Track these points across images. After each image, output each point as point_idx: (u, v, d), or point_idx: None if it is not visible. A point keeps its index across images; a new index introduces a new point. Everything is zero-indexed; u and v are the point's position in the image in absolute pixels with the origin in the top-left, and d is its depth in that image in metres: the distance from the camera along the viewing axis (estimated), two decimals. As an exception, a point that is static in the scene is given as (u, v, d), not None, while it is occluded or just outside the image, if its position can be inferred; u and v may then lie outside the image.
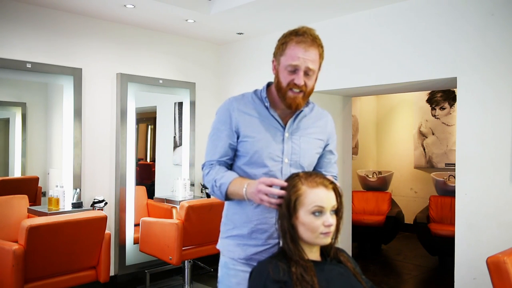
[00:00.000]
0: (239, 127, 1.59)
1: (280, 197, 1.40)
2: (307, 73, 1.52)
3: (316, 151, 1.67)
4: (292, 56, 1.51)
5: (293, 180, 1.42)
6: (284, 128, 1.61)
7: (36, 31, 3.58)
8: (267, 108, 1.61)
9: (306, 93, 1.55)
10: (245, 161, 1.59)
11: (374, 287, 1.50)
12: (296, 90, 1.53)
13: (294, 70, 1.51)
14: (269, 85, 1.66)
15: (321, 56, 1.56)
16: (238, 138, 1.59)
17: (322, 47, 1.56)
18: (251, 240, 1.58)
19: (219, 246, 1.69)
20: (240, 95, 1.66)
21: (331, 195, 1.40)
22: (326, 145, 1.72)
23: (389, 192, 5.67)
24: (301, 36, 1.52)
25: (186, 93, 4.56)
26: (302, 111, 1.63)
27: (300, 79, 1.51)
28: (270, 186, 1.40)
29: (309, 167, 1.66)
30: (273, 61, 1.60)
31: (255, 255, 1.57)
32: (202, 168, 1.67)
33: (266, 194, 1.40)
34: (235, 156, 1.63)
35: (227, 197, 1.56)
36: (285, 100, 1.55)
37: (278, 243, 1.51)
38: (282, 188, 1.41)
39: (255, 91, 1.67)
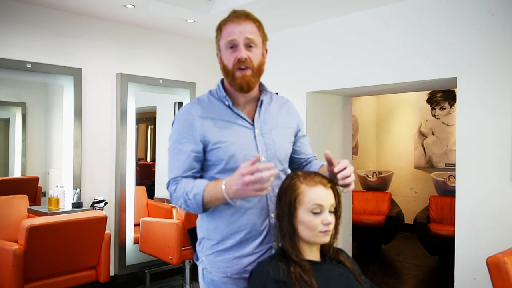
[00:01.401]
0: (205, 135, 1.46)
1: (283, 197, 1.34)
2: (248, 45, 1.44)
3: (289, 141, 1.60)
4: (228, 33, 1.45)
5: (291, 179, 1.42)
6: (252, 124, 1.52)
7: (36, 31, 3.58)
8: (229, 107, 1.51)
9: (255, 69, 1.46)
10: (220, 169, 1.47)
11: (374, 287, 1.50)
12: (243, 67, 1.44)
13: (234, 45, 1.44)
14: (223, 83, 1.57)
15: (260, 29, 1.49)
16: (206, 147, 1.47)
17: (258, 21, 1.49)
18: (240, 251, 1.47)
19: (203, 264, 1.54)
20: (196, 100, 1.55)
21: (330, 193, 1.40)
22: (298, 131, 1.66)
23: (389, 192, 5.68)
24: (233, 15, 1.48)
25: (186, 93, 4.56)
26: (262, 100, 1.56)
27: (241, 52, 1.43)
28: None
29: (286, 158, 1.59)
30: (217, 55, 1.55)
31: (248, 266, 1.47)
32: (167, 187, 1.52)
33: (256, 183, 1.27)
34: (204, 167, 1.52)
35: (205, 207, 1.42)
36: (235, 82, 1.46)
37: (271, 247, 1.49)
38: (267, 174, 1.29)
39: (210, 92, 1.57)
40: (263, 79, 1.65)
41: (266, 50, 1.55)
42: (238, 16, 1.47)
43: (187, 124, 1.49)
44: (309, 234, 1.37)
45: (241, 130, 1.50)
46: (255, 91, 1.56)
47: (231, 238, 1.48)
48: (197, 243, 1.60)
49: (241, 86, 1.47)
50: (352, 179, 1.42)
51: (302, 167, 1.68)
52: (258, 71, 1.49)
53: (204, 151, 1.49)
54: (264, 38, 1.52)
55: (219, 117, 1.50)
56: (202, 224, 1.56)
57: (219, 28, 1.50)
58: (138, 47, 4.23)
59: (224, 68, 1.50)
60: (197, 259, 1.59)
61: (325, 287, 1.34)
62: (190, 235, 1.69)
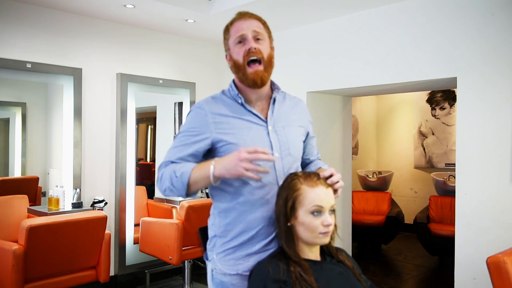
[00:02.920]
0: (218, 132, 1.47)
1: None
2: (256, 37, 1.49)
3: (301, 139, 1.62)
4: (236, 30, 1.50)
5: (291, 179, 1.42)
6: (265, 121, 1.53)
7: (36, 31, 3.58)
8: (242, 105, 1.52)
9: (265, 61, 1.49)
10: None
11: (374, 286, 1.50)
12: (253, 58, 1.47)
13: (242, 40, 1.49)
14: (235, 82, 1.58)
15: (265, 26, 1.54)
16: (218, 143, 1.48)
17: (263, 19, 1.55)
18: (251, 248, 1.48)
19: (213, 263, 1.54)
20: (209, 98, 1.57)
21: (330, 194, 1.40)
22: (308, 132, 1.67)
23: (389, 192, 5.67)
24: (238, 15, 1.54)
25: (186, 93, 4.56)
26: (275, 98, 1.58)
27: (250, 42, 1.47)
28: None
29: (299, 156, 1.60)
30: (226, 56, 1.57)
31: None
32: (158, 170, 1.51)
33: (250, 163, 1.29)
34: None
35: (188, 189, 1.41)
36: (247, 78, 1.48)
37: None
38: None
39: (223, 92, 1.58)
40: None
41: (273, 48, 1.57)
42: (244, 15, 1.53)
43: (198, 119, 1.50)
44: (309, 235, 1.37)
45: (254, 127, 1.51)
46: (266, 89, 1.57)
47: (242, 235, 1.48)
48: (208, 242, 1.60)
49: (255, 81, 1.48)
50: (340, 185, 1.44)
51: (304, 166, 1.69)
52: (269, 63, 1.51)
53: (214, 148, 1.50)
54: (270, 35, 1.56)
55: (232, 114, 1.51)
56: (214, 223, 1.57)
57: (227, 29, 1.54)
58: (138, 47, 4.23)
59: (235, 64, 1.51)
60: (207, 258, 1.59)
61: (325, 286, 1.34)
62: (201, 234, 1.69)
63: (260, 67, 1.48)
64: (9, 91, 3.77)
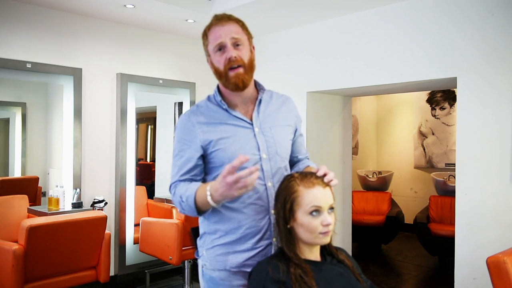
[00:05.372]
0: (206, 139, 1.50)
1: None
2: (236, 44, 1.48)
3: (289, 138, 1.62)
4: (215, 37, 1.49)
5: (288, 181, 1.42)
6: (251, 124, 1.54)
7: (36, 31, 3.58)
8: (226, 110, 1.54)
9: (246, 66, 1.49)
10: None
11: (374, 286, 1.50)
12: (234, 66, 1.47)
13: (222, 48, 1.48)
14: (219, 87, 1.60)
15: (243, 28, 1.53)
16: (207, 150, 1.51)
17: (241, 21, 1.53)
18: (240, 246, 1.50)
19: (203, 259, 1.57)
20: (195, 107, 1.59)
21: (328, 193, 1.39)
22: (296, 130, 1.67)
23: (389, 192, 5.68)
24: (215, 19, 1.52)
25: (186, 93, 4.56)
26: (261, 99, 1.58)
27: (230, 51, 1.47)
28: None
29: (287, 155, 1.61)
30: (207, 60, 1.57)
31: (247, 260, 1.49)
32: (169, 190, 1.56)
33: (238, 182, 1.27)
34: (207, 170, 1.55)
35: (199, 210, 1.44)
36: (229, 82, 1.49)
37: (271, 243, 1.50)
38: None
39: (208, 98, 1.60)
40: (263, 79, 1.65)
41: (254, 47, 1.57)
42: (221, 19, 1.51)
43: (186, 131, 1.53)
44: (309, 236, 1.37)
45: (240, 130, 1.52)
46: (251, 91, 1.58)
47: (231, 233, 1.50)
48: (199, 239, 1.63)
49: (236, 84, 1.49)
50: (334, 183, 1.44)
51: (292, 164, 1.69)
52: (250, 67, 1.52)
53: (205, 155, 1.52)
54: (249, 36, 1.56)
55: (217, 120, 1.53)
56: (204, 221, 1.59)
57: (205, 34, 1.54)
58: (138, 47, 4.23)
59: (217, 71, 1.52)
60: (198, 255, 1.61)
61: (325, 287, 1.34)
62: (193, 233, 1.71)
63: (241, 70, 1.49)
64: (9, 91, 3.77)
